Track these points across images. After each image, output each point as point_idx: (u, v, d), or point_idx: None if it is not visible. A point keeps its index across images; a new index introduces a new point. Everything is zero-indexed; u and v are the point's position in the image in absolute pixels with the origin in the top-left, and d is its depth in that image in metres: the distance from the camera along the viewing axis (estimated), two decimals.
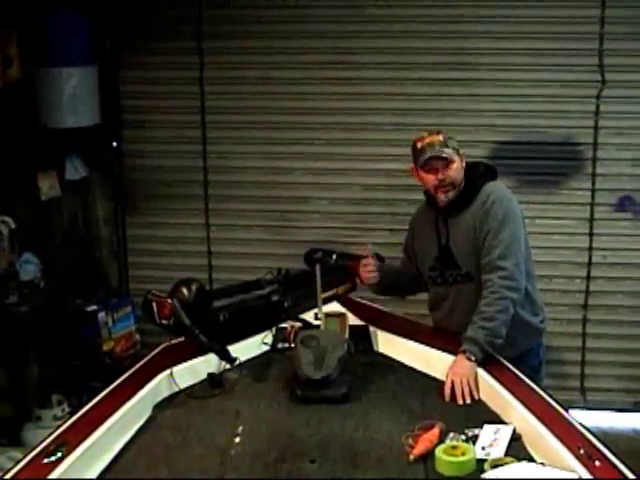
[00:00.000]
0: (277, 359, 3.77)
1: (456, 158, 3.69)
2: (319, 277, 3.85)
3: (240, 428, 3.04)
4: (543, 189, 5.67)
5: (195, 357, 3.57)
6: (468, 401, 3.25)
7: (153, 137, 6.07)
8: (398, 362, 3.73)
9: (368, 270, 4.01)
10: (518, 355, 3.69)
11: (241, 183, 6.02)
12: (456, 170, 3.69)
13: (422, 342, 3.77)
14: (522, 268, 3.61)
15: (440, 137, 3.69)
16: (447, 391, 3.28)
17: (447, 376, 3.34)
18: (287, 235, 6.00)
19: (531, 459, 2.68)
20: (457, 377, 3.31)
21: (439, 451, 2.67)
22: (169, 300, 3.57)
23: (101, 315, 5.66)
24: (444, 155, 3.65)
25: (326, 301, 4.05)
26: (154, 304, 3.63)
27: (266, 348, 3.90)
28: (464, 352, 3.42)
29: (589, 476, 2.44)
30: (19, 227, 5.22)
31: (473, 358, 3.40)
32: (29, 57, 5.30)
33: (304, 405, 3.23)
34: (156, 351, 3.74)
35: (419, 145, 3.70)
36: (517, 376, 3.34)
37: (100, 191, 6.19)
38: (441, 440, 2.78)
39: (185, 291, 3.59)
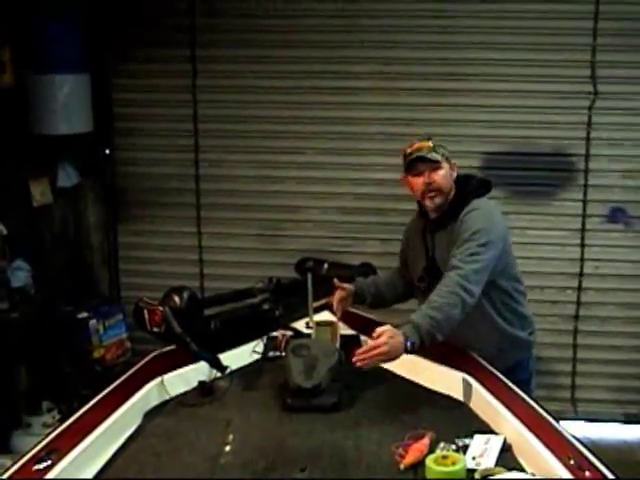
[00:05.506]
0: (268, 368, 3.75)
1: (444, 164, 3.66)
2: (310, 286, 3.85)
3: (230, 436, 3.03)
4: (535, 200, 5.69)
5: (186, 365, 3.56)
6: (362, 365, 3.15)
7: (145, 145, 6.07)
8: (389, 371, 3.72)
9: (338, 304, 3.97)
10: (508, 367, 3.64)
11: (233, 192, 6.03)
12: (444, 176, 3.66)
13: None
14: (481, 279, 3.47)
15: (429, 143, 3.68)
16: (362, 350, 3.16)
17: (374, 336, 3.19)
18: (278, 244, 6.01)
19: (521, 469, 2.67)
20: (380, 345, 3.14)
21: (429, 461, 2.66)
22: (160, 308, 3.55)
23: (92, 322, 5.65)
24: (429, 157, 3.62)
25: (317, 310, 4.06)
26: (145, 311, 3.61)
27: (257, 357, 3.89)
28: (404, 334, 3.24)
29: None
30: (10, 233, 5.21)
31: (408, 344, 3.22)
32: (22, 64, 5.30)
33: (294, 414, 3.22)
34: (147, 359, 3.73)
35: (408, 151, 3.69)
36: (508, 386, 3.33)
37: (92, 198, 6.19)
38: (431, 450, 2.78)
39: (176, 299, 3.58)
